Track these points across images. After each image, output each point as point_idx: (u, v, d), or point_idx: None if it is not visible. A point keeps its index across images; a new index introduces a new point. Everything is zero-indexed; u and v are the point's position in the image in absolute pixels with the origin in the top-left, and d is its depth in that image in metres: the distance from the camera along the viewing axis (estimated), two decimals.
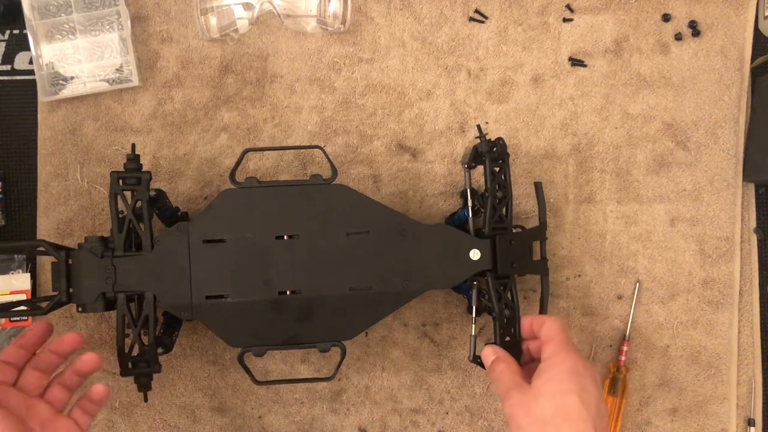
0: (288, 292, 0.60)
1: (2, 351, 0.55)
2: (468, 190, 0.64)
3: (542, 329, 0.56)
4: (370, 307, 0.61)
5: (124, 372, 0.59)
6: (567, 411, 0.50)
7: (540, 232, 0.65)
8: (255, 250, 0.60)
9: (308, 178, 0.62)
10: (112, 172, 0.60)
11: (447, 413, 0.73)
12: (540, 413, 0.50)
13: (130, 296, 0.60)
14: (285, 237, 0.61)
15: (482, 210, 0.63)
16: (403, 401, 0.73)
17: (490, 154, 0.62)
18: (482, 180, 0.69)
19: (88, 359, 0.56)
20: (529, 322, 0.59)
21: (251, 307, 0.60)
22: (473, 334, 0.62)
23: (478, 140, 0.63)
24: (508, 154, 0.63)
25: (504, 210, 0.63)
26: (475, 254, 0.62)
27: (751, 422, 0.73)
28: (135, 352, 0.60)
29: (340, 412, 0.72)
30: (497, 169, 0.63)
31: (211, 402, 0.72)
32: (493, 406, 0.73)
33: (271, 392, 0.72)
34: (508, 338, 0.62)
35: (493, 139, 0.63)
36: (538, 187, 0.66)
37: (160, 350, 0.62)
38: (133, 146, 0.62)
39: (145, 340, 0.60)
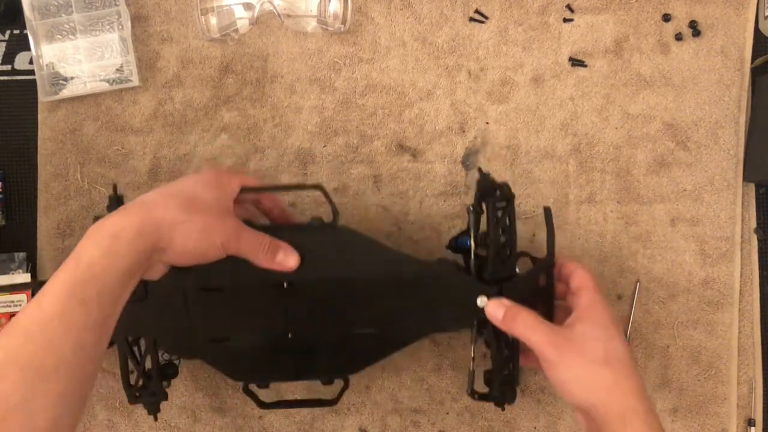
0: (289, 336, 0.59)
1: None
2: (471, 238, 0.61)
3: (574, 277, 0.59)
4: (373, 350, 0.61)
5: (132, 401, 0.59)
6: (617, 354, 0.54)
7: (547, 262, 0.62)
8: (254, 296, 0.59)
9: (308, 220, 0.60)
10: (95, 217, 0.56)
11: (447, 413, 0.73)
12: (592, 354, 0.54)
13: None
14: (284, 283, 0.58)
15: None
16: (403, 401, 0.73)
17: (492, 198, 0.59)
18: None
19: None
20: (558, 266, 0.61)
21: (253, 350, 0.60)
22: (471, 369, 0.62)
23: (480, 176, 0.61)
24: (513, 196, 0.60)
25: (508, 253, 0.60)
26: (482, 301, 0.59)
27: (751, 422, 0.73)
28: (140, 383, 0.60)
29: (341, 412, 0.72)
30: (500, 213, 0.59)
31: (212, 402, 0.72)
32: (493, 406, 0.73)
33: (272, 392, 0.72)
34: (506, 372, 0.61)
35: (498, 182, 0.60)
36: (547, 212, 0.62)
37: (165, 383, 0.61)
38: (115, 187, 0.60)
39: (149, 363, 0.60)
